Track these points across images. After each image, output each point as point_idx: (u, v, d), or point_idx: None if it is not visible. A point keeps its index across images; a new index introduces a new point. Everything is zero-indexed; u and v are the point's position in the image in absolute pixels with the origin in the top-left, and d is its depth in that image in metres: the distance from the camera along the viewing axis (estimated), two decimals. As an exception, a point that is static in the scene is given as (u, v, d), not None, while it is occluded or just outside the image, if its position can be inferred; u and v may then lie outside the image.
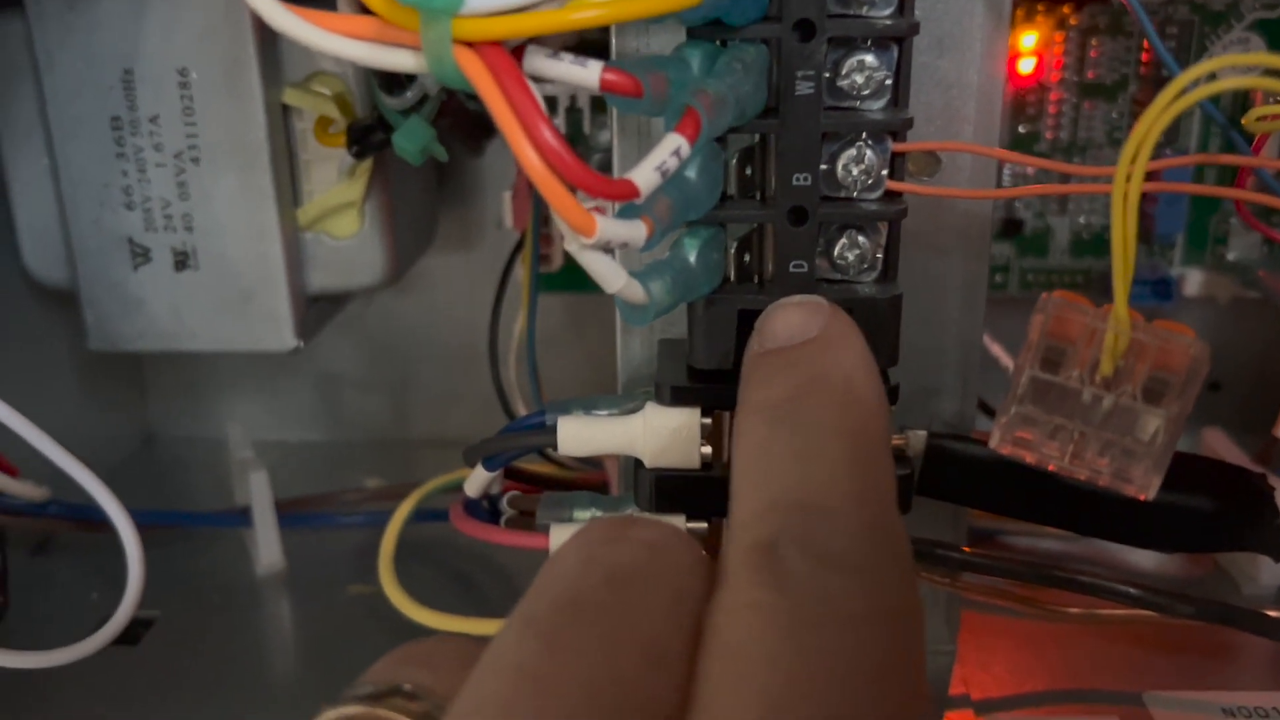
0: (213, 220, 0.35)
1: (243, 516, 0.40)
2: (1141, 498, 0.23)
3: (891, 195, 0.27)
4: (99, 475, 0.32)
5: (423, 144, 0.32)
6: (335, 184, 0.36)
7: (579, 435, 0.29)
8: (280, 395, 0.50)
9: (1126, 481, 0.23)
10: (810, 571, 0.17)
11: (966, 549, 0.34)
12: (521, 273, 0.40)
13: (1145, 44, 0.40)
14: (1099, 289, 0.43)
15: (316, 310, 0.38)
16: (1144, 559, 0.40)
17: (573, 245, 0.24)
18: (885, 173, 0.27)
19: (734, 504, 0.20)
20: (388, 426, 0.49)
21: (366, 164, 0.36)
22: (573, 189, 0.22)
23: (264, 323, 0.36)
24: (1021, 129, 0.41)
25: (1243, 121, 0.25)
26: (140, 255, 0.36)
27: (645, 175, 0.23)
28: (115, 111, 0.34)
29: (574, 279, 0.43)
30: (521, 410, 0.40)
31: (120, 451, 0.49)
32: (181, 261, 0.36)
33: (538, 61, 0.23)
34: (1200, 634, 0.34)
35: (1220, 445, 0.38)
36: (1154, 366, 0.22)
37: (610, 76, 0.23)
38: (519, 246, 0.40)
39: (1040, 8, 0.39)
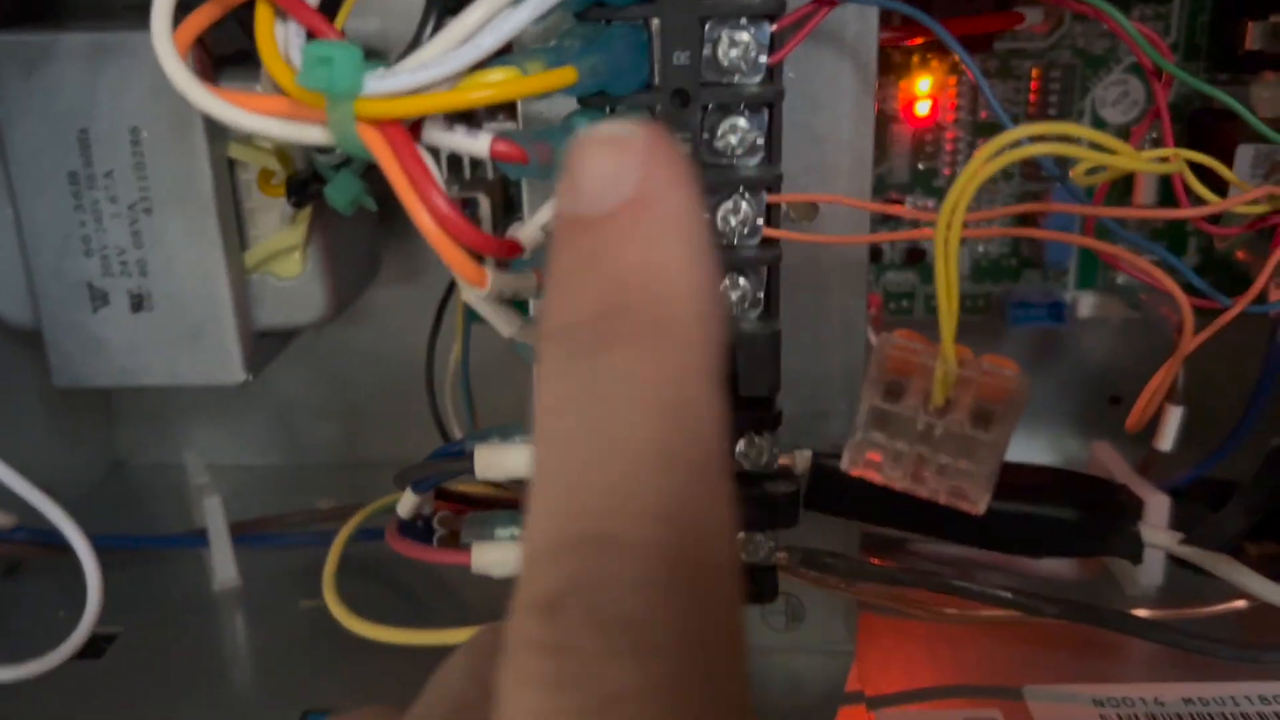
0: (165, 265, 0.38)
1: (200, 537, 0.43)
2: (974, 512, 0.26)
3: (769, 241, 0.30)
4: (69, 502, 0.35)
5: (352, 196, 0.34)
6: (278, 229, 0.39)
7: (493, 461, 0.32)
8: (240, 422, 0.52)
9: (961, 498, 0.26)
10: (597, 653, 0.14)
11: (875, 560, 0.37)
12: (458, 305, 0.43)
13: (1033, 86, 0.43)
14: (996, 311, 0.46)
15: (264, 345, 0.41)
16: (1042, 562, 0.43)
17: (469, 295, 0.27)
18: (761, 221, 0.30)
19: (525, 528, 0.17)
20: (340, 450, 0.52)
21: (306, 211, 0.39)
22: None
23: (215, 358, 0.39)
24: (921, 166, 0.44)
25: (1071, 175, 0.28)
26: (99, 299, 0.39)
27: (530, 233, 0.26)
28: (73, 167, 0.37)
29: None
30: (458, 435, 0.43)
31: (89, 478, 0.51)
32: (137, 303, 0.39)
33: (434, 133, 0.26)
34: (1079, 633, 0.37)
35: (1108, 457, 0.41)
36: (979, 397, 0.25)
37: (499, 147, 0.26)
38: (455, 281, 0.43)
39: (934, 55, 0.42)
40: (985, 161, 0.24)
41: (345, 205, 0.34)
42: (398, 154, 0.25)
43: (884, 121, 0.43)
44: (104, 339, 0.39)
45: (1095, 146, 0.24)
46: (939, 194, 0.44)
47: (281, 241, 0.39)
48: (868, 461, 0.26)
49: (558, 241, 0.19)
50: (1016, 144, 0.24)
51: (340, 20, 0.28)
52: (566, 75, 0.25)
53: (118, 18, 0.44)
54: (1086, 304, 0.45)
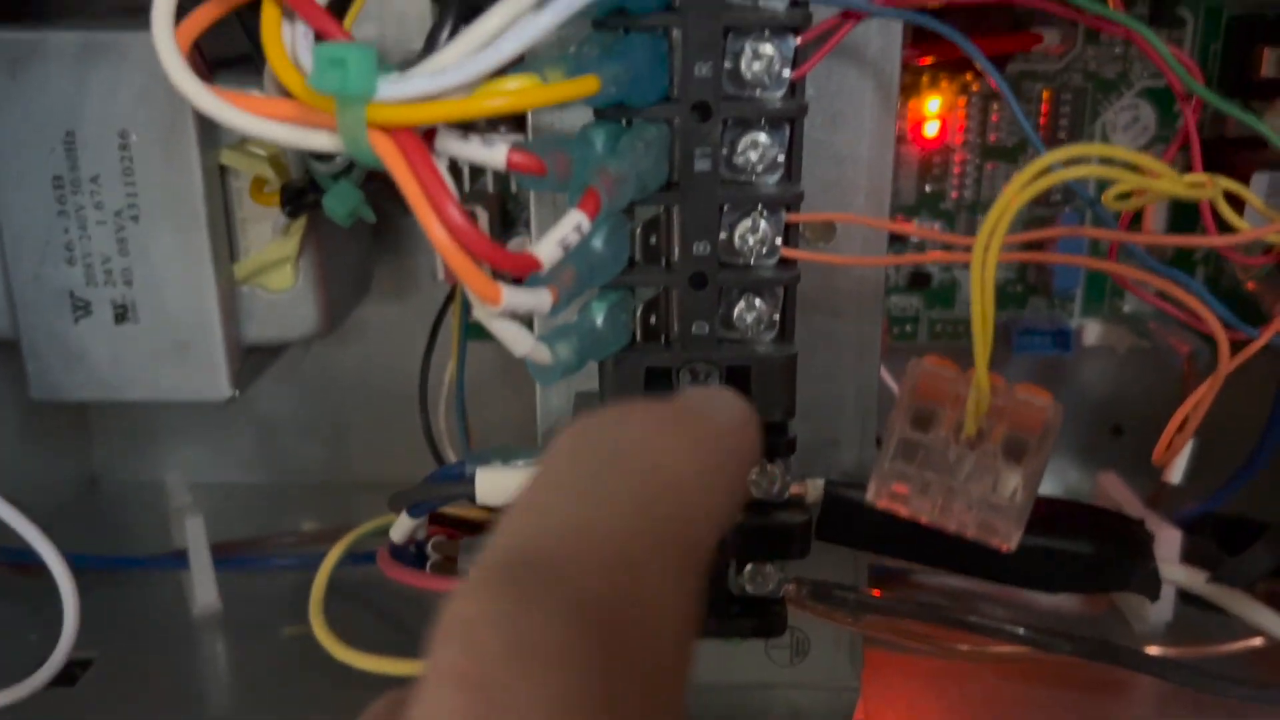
0: (152, 275, 0.37)
1: (180, 559, 0.41)
2: (1004, 548, 0.25)
3: (786, 262, 0.29)
4: (43, 518, 0.33)
5: (351, 207, 0.33)
6: (270, 240, 0.38)
7: (496, 485, 0.31)
8: (222, 439, 0.51)
9: (991, 533, 0.25)
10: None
11: (876, 592, 0.36)
12: (453, 322, 0.42)
13: (1044, 109, 0.42)
14: (1001, 338, 0.45)
15: (252, 360, 0.39)
16: (1046, 597, 0.42)
17: (481, 313, 0.26)
18: (780, 240, 0.29)
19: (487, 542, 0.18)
20: (326, 470, 0.51)
21: (300, 221, 0.37)
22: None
23: (200, 373, 0.38)
24: (928, 188, 0.43)
25: (1103, 199, 0.27)
26: (81, 308, 0.37)
27: (548, 249, 0.25)
28: (57, 171, 0.36)
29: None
30: (451, 456, 0.41)
31: (65, 494, 0.50)
32: (121, 314, 0.37)
33: (449, 142, 0.25)
34: (1088, 670, 0.36)
35: (1115, 489, 0.40)
36: (1012, 427, 0.24)
37: (516, 157, 0.24)
38: (450, 297, 0.42)
39: (944, 75, 0.41)
40: (1024, 185, 0.23)
41: (344, 216, 0.33)
42: (411, 163, 0.24)
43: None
44: (85, 350, 0.38)
45: (1133, 170, 0.23)
46: (946, 216, 0.43)
47: (273, 253, 0.37)
48: (894, 494, 0.25)
49: None
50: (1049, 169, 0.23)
51: (348, 22, 0.27)
52: (589, 84, 0.24)
53: (105, 17, 0.43)
54: (1093, 332, 0.45)
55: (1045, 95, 0.42)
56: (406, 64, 0.43)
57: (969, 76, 0.41)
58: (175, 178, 0.36)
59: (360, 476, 0.50)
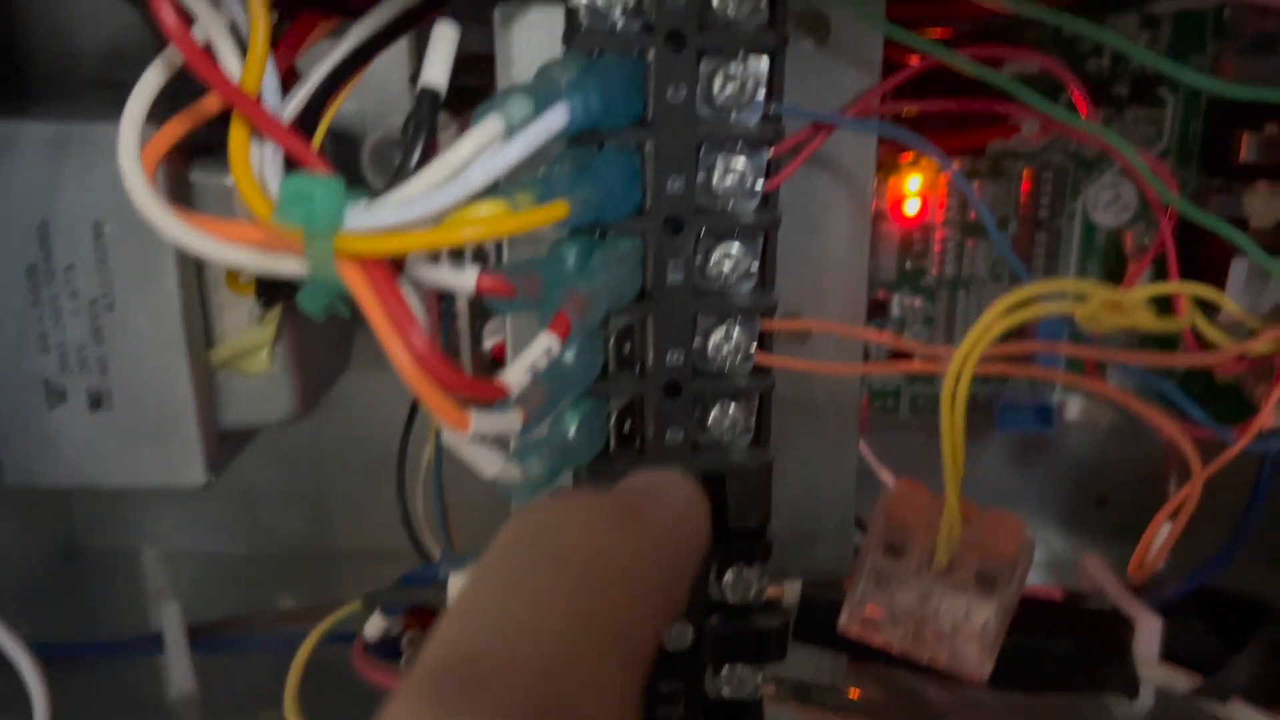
0: (126, 363, 0.36)
1: (156, 643, 0.41)
2: (976, 679, 0.25)
3: (761, 369, 0.29)
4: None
5: (325, 303, 0.33)
6: (246, 326, 0.37)
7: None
8: (202, 508, 0.51)
9: (963, 663, 0.25)
10: None
11: (854, 692, 0.36)
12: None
13: (1024, 187, 0.42)
14: (982, 414, 0.45)
15: (229, 444, 0.39)
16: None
17: (449, 438, 0.25)
18: (754, 348, 0.29)
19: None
20: (306, 539, 0.50)
21: (276, 308, 0.37)
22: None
23: (176, 460, 0.37)
24: (908, 265, 0.43)
25: (1076, 317, 0.26)
26: (56, 396, 0.37)
27: (517, 375, 0.25)
28: (31, 261, 0.35)
29: (485, 403, 0.44)
30: (429, 541, 0.41)
31: (43, 562, 0.49)
32: (96, 402, 0.37)
33: (418, 267, 0.25)
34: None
35: (1099, 572, 0.40)
36: (984, 557, 0.24)
37: (485, 282, 0.24)
38: (429, 376, 0.42)
39: (923, 155, 0.41)
40: (998, 317, 0.22)
41: (319, 312, 0.33)
42: (377, 291, 0.24)
43: (872, 219, 0.42)
44: (60, 438, 0.37)
45: (1110, 304, 0.23)
46: (926, 293, 0.43)
47: (249, 340, 0.37)
48: (866, 619, 0.25)
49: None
50: (1023, 303, 0.23)
51: (318, 138, 0.27)
52: (558, 210, 0.24)
53: (85, 94, 0.43)
54: (1075, 407, 0.44)
55: (1026, 174, 0.42)
56: (384, 142, 0.43)
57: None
58: (150, 266, 0.36)
59: (341, 546, 0.50)
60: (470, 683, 0.16)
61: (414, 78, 0.41)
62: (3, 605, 0.43)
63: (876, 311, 0.43)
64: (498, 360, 0.44)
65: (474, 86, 0.42)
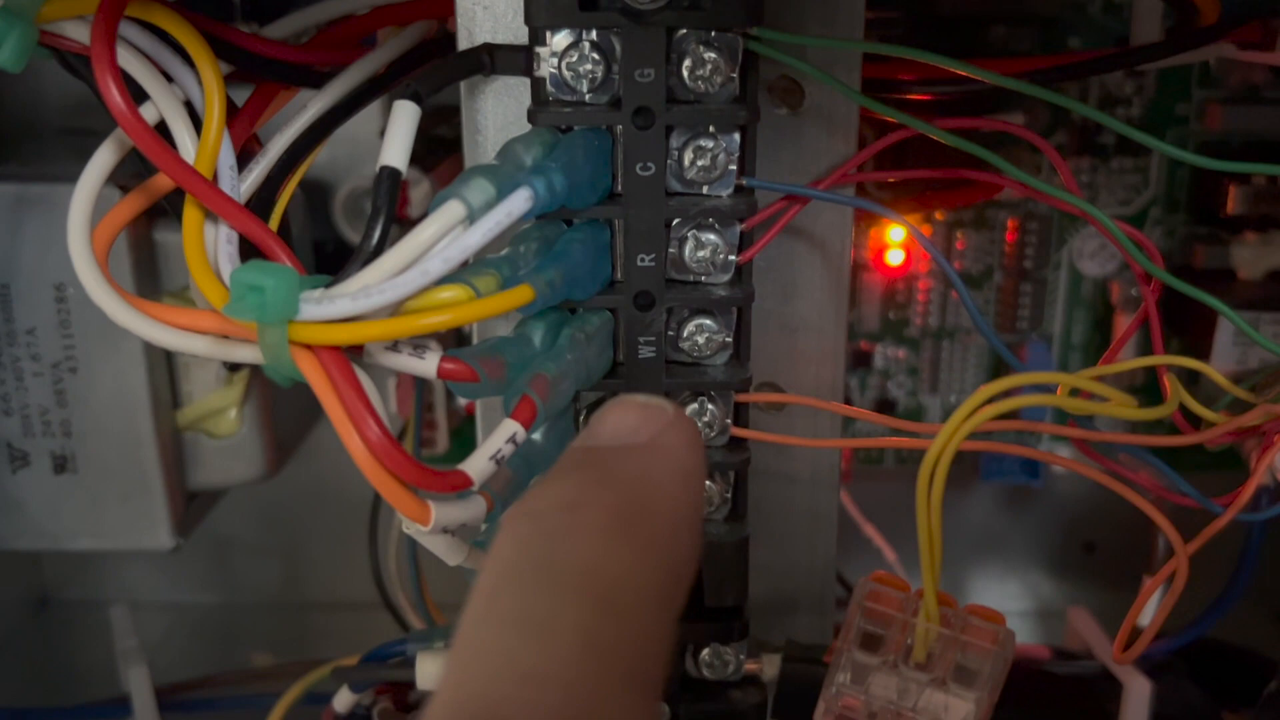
0: (91, 426, 0.36)
1: (125, 706, 0.40)
2: (955, 775, 0.24)
3: (737, 442, 0.28)
4: None
5: (291, 371, 0.32)
6: (214, 386, 0.37)
7: (437, 672, 0.30)
8: (173, 559, 0.50)
9: (942, 757, 0.24)
10: None
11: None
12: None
13: (1009, 237, 0.41)
14: (971, 463, 0.44)
15: (197, 505, 0.38)
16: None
17: (411, 529, 0.24)
18: (729, 421, 0.28)
19: (433, 692, 0.17)
20: (279, 589, 0.50)
21: (244, 369, 0.36)
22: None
23: (143, 523, 0.37)
24: (891, 315, 0.42)
25: (1061, 406, 0.26)
26: (19, 459, 0.36)
27: (479, 465, 0.24)
28: (-9, 324, 0.35)
29: (462, 458, 0.44)
30: (401, 601, 0.40)
31: (14, 616, 0.48)
32: (60, 465, 0.36)
33: (378, 354, 0.24)
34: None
35: (1085, 626, 0.39)
36: (963, 653, 0.23)
37: (447, 366, 0.24)
38: (403, 433, 0.41)
39: (907, 203, 0.40)
40: (972, 412, 0.22)
41: (284, 380, 0.32)
42: (332, 380, 0.23)
43: (855, 270, 0.41)
44: (24, 501, 0.37)
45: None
46: (910, 343, 0.43)
47: (216, 402, 0.36)
48: (843, 712, 0.24)
49: (558, 464, 0.21)
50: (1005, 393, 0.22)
51: (275, 218, 0.26)
52: (523, 294, 0.23)
53: (51, 143, 0.42)
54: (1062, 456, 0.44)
55: (1011, 224, 0.41)
56: (356, 192, 0.42)
57: (934, 208, 0.41)
58: (113, 329, 0.34)
59: (314, 597, 0.49)
60: None
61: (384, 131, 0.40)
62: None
63: (860, 362, 0.43)
64: (472, 416, 0.44)
65: (447, 137, 0.41)
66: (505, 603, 0.18)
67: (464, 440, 0.44)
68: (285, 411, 0.39)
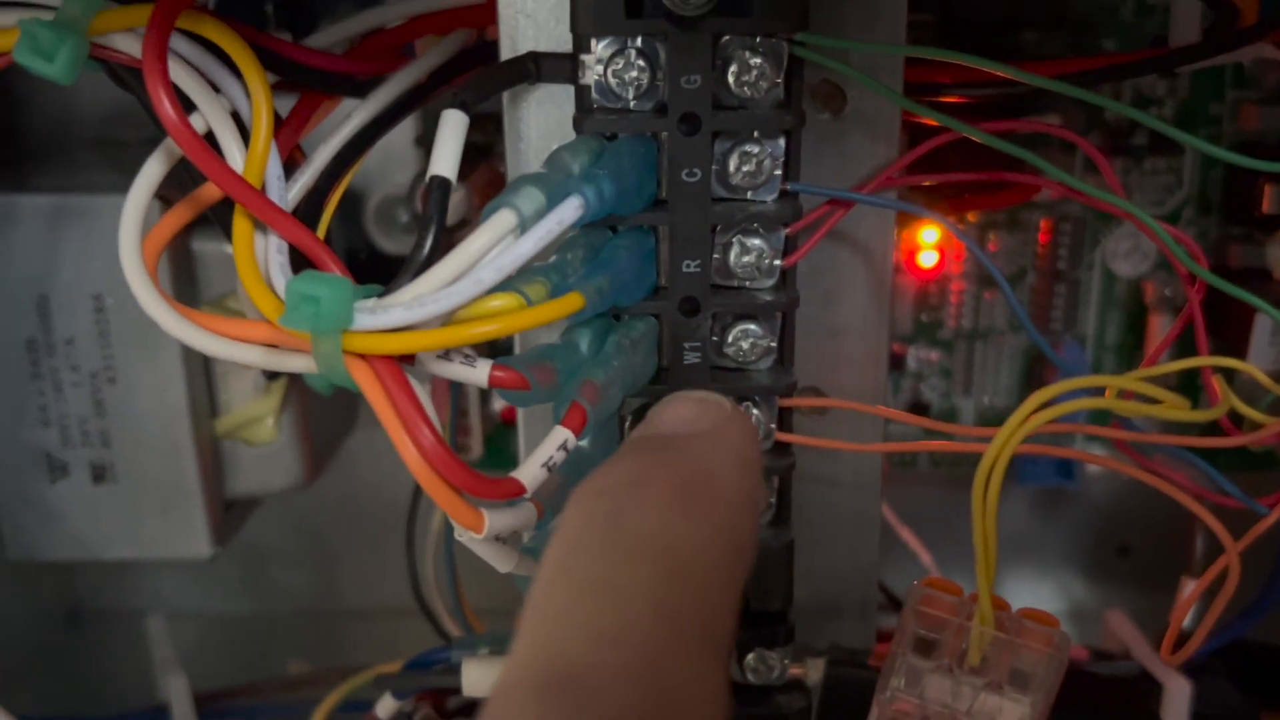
0: (129, 436, 0.36)
1: (163, 713, 0.40)
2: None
3: (781, 447, 0.28)
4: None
5: (345, 381, 0.32)
6: (252, 395, 0.37)
7: (483, 679, 0.30)
8: (207, 568, 0.50)
9: (997, 761, 0.24)
10: None
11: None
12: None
13: (1042, 238, 0.41)
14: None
15: (234, 513, 0.39)
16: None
17: (463, 537, 0.25)
18: (774, 426, 0.28)
19: (509, 653, 0.18)
20: (314, 598, 0.50)
21: (282, 377, 0.36)
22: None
23: (181, 532, 0.37)
24: (924, 318, 0.42)
25: (1109, 407, 0.26)
26: (58, 470, 0.36)
27: (532, 473, 0.24)
28: (31, 334, 0.35)
29: (497, 463, 0.44)
30: (439, 607, 0.40)
31: (46, 627, 0.49)
32: (99, 475, 0.36)
33: (430, 362, 0.24)
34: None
35: (1123, 629, 0.39)
36: (1017, 657, 0.23)
37: (499, 374, 0.24)
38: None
39: (941, 204, 0.40)
40: (1028, 416, 0.22)
41: (325, 388, 0.32)
42: (386, 389, 0.23)
43: (887, 272, 0.41)
44: (63, 511, 0.37)
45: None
46: (944, 345, 0.43)
47: (254, 410, 0.37)
48: (897, 716, 0.24)
49: (621, 449, 0.22)
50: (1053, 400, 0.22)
51: (322, 228, 0.27)
52: (573, 302, 0.23)
53: (84, 155, 0.42)
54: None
55: (1044, 225, 0.41)
56: (388, 200, 0.42)
57: (968, 210, 0.41)
58: (152, 338, 0.35)
59: (349, 605, 0.49)
60: (572, 697, 0.16)
61: (419, 139, 0.40)
62: (6, 671, 0.43)
63: (893, 365, 0.42)
64: (507, 421, 0.44)
65: (479, 144, 0.41)
66: (578, 570, 0.18)
67: (497, 446, 0.44)
68: (321, 419, 0.39)
